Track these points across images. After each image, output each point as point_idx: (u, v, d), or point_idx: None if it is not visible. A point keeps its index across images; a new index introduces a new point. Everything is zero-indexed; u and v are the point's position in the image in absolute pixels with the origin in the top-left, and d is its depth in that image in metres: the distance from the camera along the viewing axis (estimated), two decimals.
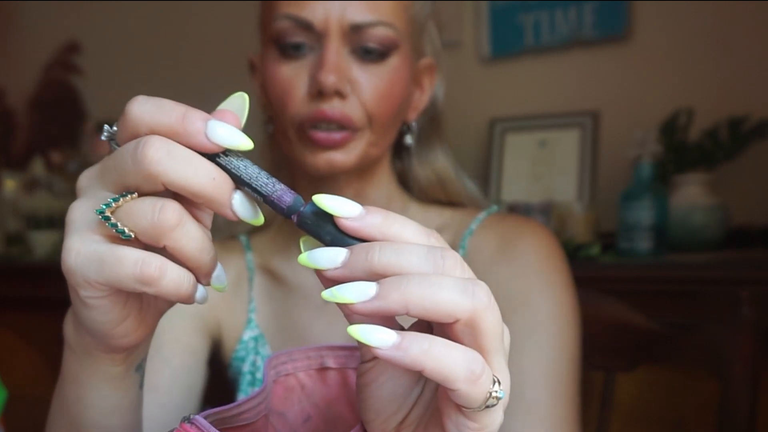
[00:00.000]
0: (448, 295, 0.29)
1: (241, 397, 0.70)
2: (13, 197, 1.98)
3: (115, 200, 0.33)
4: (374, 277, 0.30)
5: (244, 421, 0.40)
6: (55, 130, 2.25)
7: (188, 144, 0.32)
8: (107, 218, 0.32)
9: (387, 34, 0.61)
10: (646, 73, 1.48)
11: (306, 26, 0.60)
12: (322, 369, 0.46)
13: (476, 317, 0.30)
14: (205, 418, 0.37)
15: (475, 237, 0.67)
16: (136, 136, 0.33)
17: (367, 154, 0.63)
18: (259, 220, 0.35)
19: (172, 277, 0.32)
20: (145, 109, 0.32)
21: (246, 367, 0.70)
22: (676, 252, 1.25)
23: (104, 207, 0.32)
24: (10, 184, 2.00)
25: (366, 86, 0.61)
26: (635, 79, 1.49)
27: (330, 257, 0.31)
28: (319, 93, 0.60)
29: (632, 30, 1.49)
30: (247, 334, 0.70)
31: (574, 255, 1.22)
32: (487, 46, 1.65)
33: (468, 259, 0.67)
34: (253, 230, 0.74)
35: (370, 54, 0.61)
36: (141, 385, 0.44)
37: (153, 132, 0.32)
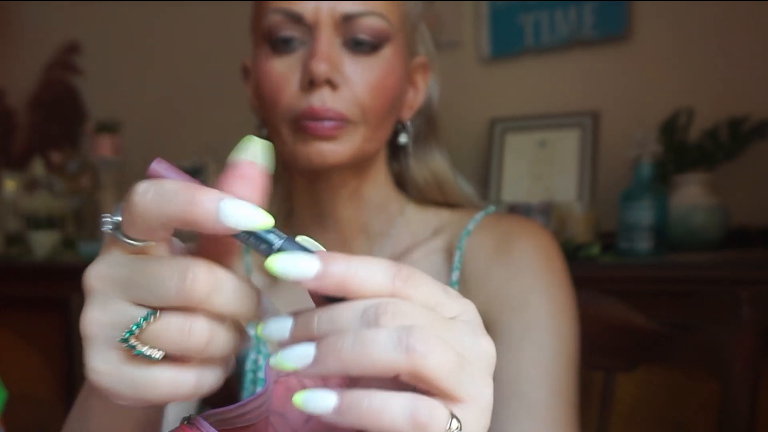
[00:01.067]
0: (381, 353, 0.28)
1: (243, 395, 0.70)
2: (13, 197, 1.98)
3: (139, 325, 0.30)
4: (317, 340, 0.30)
5: (245, 422, 0.40)
6: (55, 130, 2.25)
7: (202, 231, 0.30)
8: (133, 346, 0.30)
9: (379, 25, 0.61)
10: (646, 73, 1.48)
11: (296, 19, 0.60)
12: None
13: (416, 369, 0.28)
14: (206, 418, 0.37)
15: (473, 237, 0.67)
16: (148, 231, 0.31)
17: (362, 149, 0.62)
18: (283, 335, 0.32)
19: (208, 382, 0.32)
20: (149, 199, 0.30)
21: (247, 366, 0.70)
22: (676, 252, 1.25)
23: (128, 334, 0.30)
24: (10, 184, 2.00)
25: (358, 79, 0.60)
26: (635, 79, 1.49)
27: (279, 328, 0.31)
28: (310, 83, 0.59)
29: (632, 30, 1.49)
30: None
31: (574, 255, 1.22)
32: (487, 46, 1.65)
33: (466, 259, 0.67)
34: None
35: (362, 45, 0.61)
36: (162, 425, 0.43)
37: (165, 226, 0.30)
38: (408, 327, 0.29)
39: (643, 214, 1.21)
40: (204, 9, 2.03)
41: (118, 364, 0.31)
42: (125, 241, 0.31)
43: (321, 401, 0.29)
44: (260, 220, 0.30)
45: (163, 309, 0.30)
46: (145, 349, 0.30)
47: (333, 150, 0.61)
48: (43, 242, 1.84)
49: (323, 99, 0.59)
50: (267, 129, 0.66)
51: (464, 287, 0.66)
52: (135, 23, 2.17)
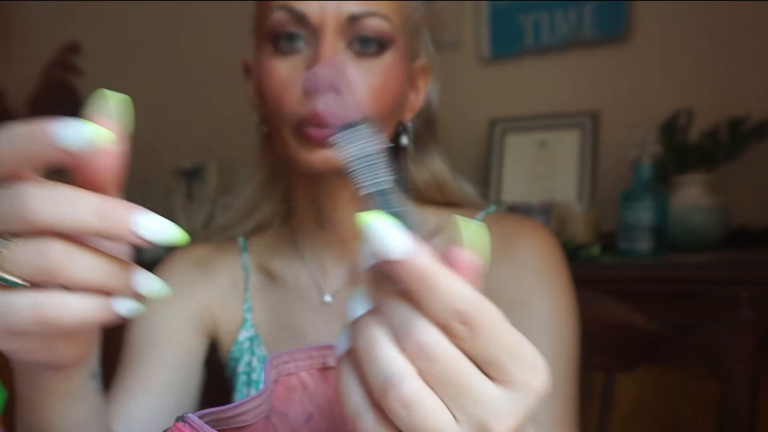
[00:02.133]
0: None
1: (236, 397, 0.70)
2: None
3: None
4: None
5: (242, 423, 0.40)
6: None
7: (45, 156, 0.31)
8: None
9: (383, 27, 0.61)
10: (646, 73, 1.48)
11: (300, 18, 0.60)
12: (324, 368, 0.46)
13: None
14: (201, 418, 0.37)
15: None
16: (5, 176, 0.32)
17: None
18: (180, 239, 0.32)
19: (74, 308, 0.31)
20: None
21: (241, 368, 0.70)
22: (676, 252, 1.25)
23: None
24: None
25: (361, 82, 0.60)
26: (635, 79, 1.49)
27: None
28: None
29: (632, 30, 1.49)
30: (243, 335, 0.70)
31: (574, 255, 1.22)
32: (487, 47, 1.65)
33: None
34: (251, 231, 0.74)
35: (367, 47, 0.60)
36: (101, 392, 0.43)
37: (18, 167, 0.31)
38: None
39: (643, 214, 1.21)
40: (204, 9, 2.03)
41: None
42: None
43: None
44: (98, 134, 0.31)
45: (19, 236, 0.31)
46: (5, 276, 0.31)
47: (335, 156, 0.61)
48: None
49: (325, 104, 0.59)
50: (267, 127, 0.66)
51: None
52: (135, 23, 2.17)
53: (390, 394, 0.29)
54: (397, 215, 0.30)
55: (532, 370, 0.29)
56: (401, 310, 0.30)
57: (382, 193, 0.30)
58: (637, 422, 1.10)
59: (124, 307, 0.33)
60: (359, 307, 0.32)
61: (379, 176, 0.30)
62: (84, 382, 0.41)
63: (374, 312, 0.31)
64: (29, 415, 0.42)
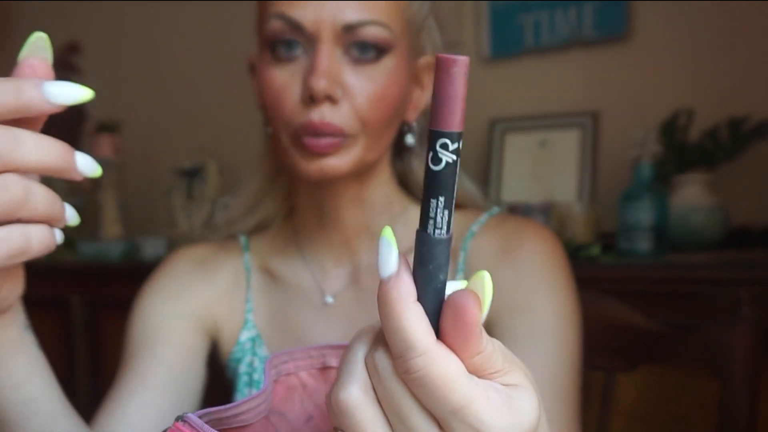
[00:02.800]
0: None
1: (237, 398, 0.70)
2: None
3: None
4: None
5: (242, 423, 0.40)
6: (55, 130, 2.24)
7: (36, 114, 0.35)
8: None
9: (380, 34, 0.60)
10: (646, 73, 1.48)
11: (296, 27, 0.59)
12: (325, 368, 0.46)
13: None
14: (201, 417, 0.37)
15: (477, 239, 0.67)
16: None
17: (363, 159, 0.62)
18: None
19: (38, 239, 0.36)
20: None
21: (242, 368, 0.70)
22: (676, 252, 1.25)
23: None
24: None
25: (359, 90, 0.60)
26: (635, 79, 1.49)
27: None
28: (310, 98, 0.59)
29: (632, 30, 1.49)
30: (245, 335, 0.70)
31: (574, 255, 1.22)
32: (487, 46, 1.65)
33: (470, 261, 0.66)
34: (252, 231, 0.74)
35: (364, 53, 0.60)
36: (39, 347, 0.46)
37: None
38: None
39: (643, 214, 1.21)
40: (204, 9, 2.03)
41: None
42: None
43: None
44: (82, 93, 0.36)
45: None
46: None
47: (333, 164, 0.60)
48: None
49: (322, 114, 0.59)
50: (270, 128, 0.66)
51: None
52: (135, 23, 2.17)
53: (332, 391, 0.31)
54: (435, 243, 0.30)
55: (480, 427, 0.29)
56: (377, 333, 0.32)
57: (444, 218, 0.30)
58: (637, 422, 1.10)
59: (59, 236, 0.38)
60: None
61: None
62: (20, 332, 0.44)
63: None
64: None
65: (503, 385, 0.31)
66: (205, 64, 2.03)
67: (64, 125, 2.25)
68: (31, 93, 0.35)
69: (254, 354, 0.70)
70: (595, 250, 1.25)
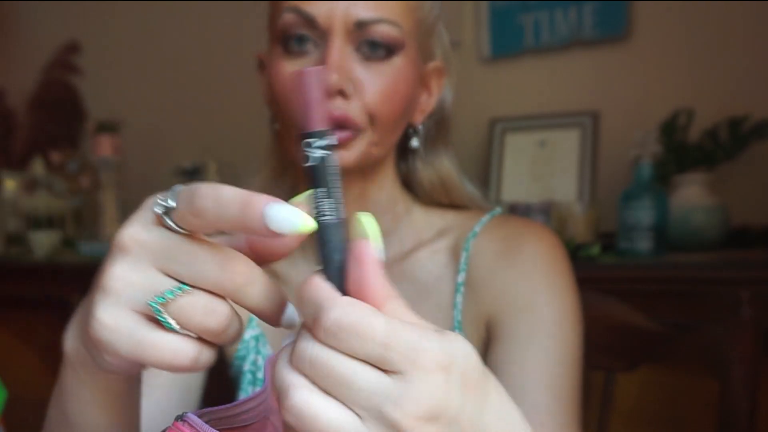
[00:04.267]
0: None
1: (241, 396, 0.70)
2: (13, 197, 1.98)
3: (172, 294, 0.32)
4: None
5: (242, 422, 0.40)
6: (55, 130, 2.25)
7: (246, 228, 0.32)
8: (159, 312, 0.32)
9: (392, 33, 0.60)
10: (646, 73, 1.48)
11: (309, 21, 0.60)
12: None
13: None
14: (201, 417, 0.37)
15: (479, 240, 0.67)
16: (200, 228, 0.33)
17: (369, 154, 0.62)
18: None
19: (204, 361, 0.34)
20: (209, 205, 0.32)
21: (247, 366, 0.70)
22: (676, 252, 1.25)
23: (160, 300, 0.32)
24: (10, 184, 2.00)
25: (369, 85, 0.60)
26: (635, 79, 1.49)
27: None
28: None
29: (632, 30, 1.49)
30: (248, 333, 0.70)
31: (574, 255, 1.22)
32: (487, 46, 1.65)
33: (472, 261, 0.67)
34: None
35: (374, 51, 0.60)
36: (140, 394, 0.44)
37: (217, 229, 0.32)
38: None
39: (643, 214, 1.21)
40: (204, 9, 2.03)
41: (131, 323, 0.33)
42: (175, 228, 0.33)
43: None
44: (303, 222, 0.31)
45: (193, 287, 0.33)
46: (168, 318, 0.32)
47: (342, 156, 0.60)
48: (43, 242, 1.84)
49: (333, 108, 0.59)
50: (278, 124, 0.66)
51: (470, 289, 0.66)
52: (135, 23, 2.17)
53: (282, 406, 0.31)
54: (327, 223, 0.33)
55: (413, 350, 0.30)
56: (300, 329, 0.33)
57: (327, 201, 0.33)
58: (637, 422, 1.10)
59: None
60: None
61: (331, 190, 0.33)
62: (133, 384, 0.42)
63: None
64: (69, 405, 0.42)
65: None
66: (205, 64, 2.03)
67: (65, 125, 2.25)
68: (256, 214, 0.31)
69: (258, 352, 0.70)
70: (595, 250, 1.25)
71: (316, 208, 0.32)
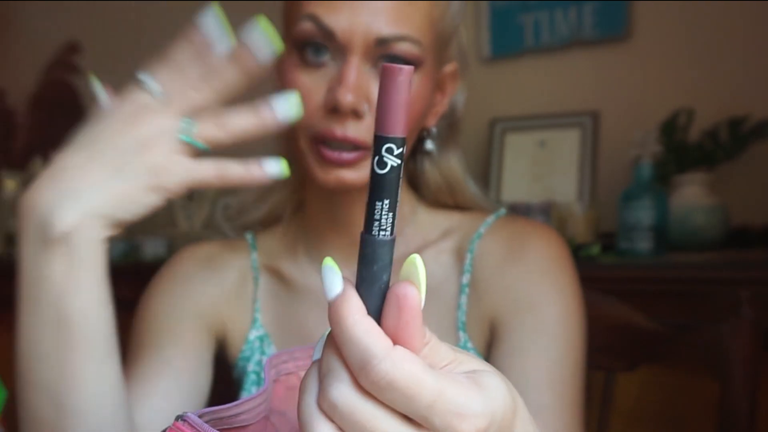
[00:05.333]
0: None
1: (243, 395, 0.70)
2: (13, 197, 1.98)
3: (189, 122, 0.48)
4: None
5: (242, 423, 0.40)
6: (55, 130, 2.24)
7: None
8: (188, 135, 0.48)
9: (412, 51, 0.59)
10: (646, 73, 1.48)
11: (328, 34, 0.58)
12: None
13: None
14: (201, 417, 0.37)
15: (484, 240, 0.67)
16: None
17: None
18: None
19: (241, 176, 0.50)
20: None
21: (251, 367, 0.70)
22: (676, 252, 1.25)
23: (187, 125, 0.48)
24: (10, 184, 2.00)
25: None
26: (635, 79, 1.49)
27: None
28: (334, 109, 0.58)
29: (632, 30, 1.49)
30: (253, 334, 0.70)
31: (574, 255, 1.22)
32: (487, 46, 1.65)
33: (476, 262, 0.66)
34: (260, 225, 0.74)
35: None
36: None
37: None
38: None
39: (643, 214, 1.21)
40: (204, 9, 2.02)
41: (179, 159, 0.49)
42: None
43: None
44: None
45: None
46: (198, 141, 0.49)
47: (351, 176, 0.60)
48: None
49: (345, 129, 0.58)
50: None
51: (475, 290, 0.66)
52: (135, 23, 2.17)
53: None
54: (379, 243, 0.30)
55: (458, 417, 0.29)
56: (328, 361, 0.31)
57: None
58: (637, 422, 1.10)
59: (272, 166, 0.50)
60: (316, 352, 0.33)
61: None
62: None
63: (321, 359, 0.32)
64: (51, 301, 0.47)
65: (463, 373, 0.31)
66: None
67: (65, 125, 2.25)
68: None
69: (263, 353, 0.70)
70: (595, 250, 1.25)
71: (378, 220, 0.30)
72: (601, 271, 1.17)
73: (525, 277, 0.64)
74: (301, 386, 0.31)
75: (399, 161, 0.29)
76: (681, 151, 1.32)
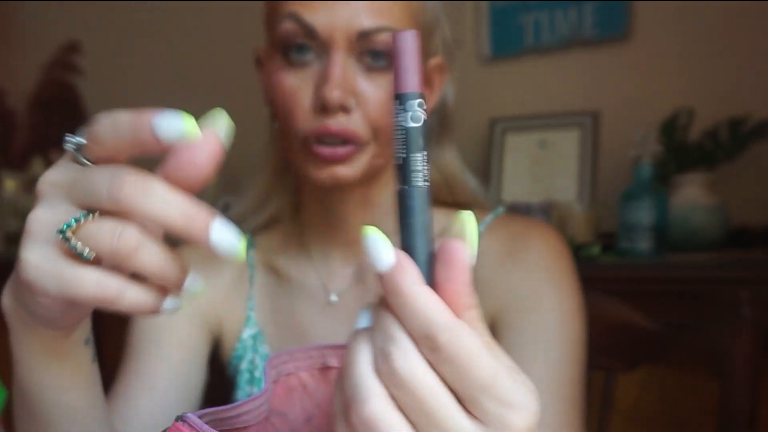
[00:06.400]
0: None
1: (239, 395, 0.70)
2: (13, 197, 1.98)
3: (77, 220, 0.33)
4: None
5: (242, 423, 0.40)
6: (55, 130, 2.25)
7: (143, 144, 0.33)
8: (68, 239, 0.33)
9: None
10: (646, 73, 1.48)
11: (309, 32, 0.58)
12: (325, 368, 0.46)
13: None
14: (201, 417, 0.37)
15: (483, 239, 0.67)
16: (104, 154, 0.34)
17: (372, 166, 0.62)
18: (240, 256, 0.33)
19: (131, 297, 0.34)
20: (107, 128, 0.33)
21: (244, 365, 0.70)
22: (676, 252, 1.25)
23: (66, 227, 0.33)
24: (10, 184, 2.00)
25: (371, 99, 0.59)
26: (635, 79, 1.49)
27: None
28: (323, 108, 0.58)
29: (632, 30, 1.49)
30: (246, 332, 0.70)
31: (574, 255, 1.22)
32: (487, 46, 1.65)
33: (475, 262, 0.66)
34: (262, 225, 0.74)
35: (376, 61, 0.59)
36: (94, 360, 0.44)
37: (118, 150, 0.34)
38: None
39: (643, 214, 1.21)
40: (204, 9, 2.03)
41: (51, 258, 0.33)
42: (83, 161, 0.35)
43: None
44: (188, 127, 0.32)
45: (101, 212, 0.33)
46: (79, 245, 0.33)
47: (345, 172, 0.60)
48: None
49: (338, 122, 0.58)
50: (278, 123, 0.66)
51: (474, 289, 0.66)
52: (135, 23, 2.17)
53: (352, 411, 0.30)
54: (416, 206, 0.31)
55: (508, 407, 0.29)
56: (387, 329, 0.30)
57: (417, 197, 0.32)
58: (637, 422, 1.10)
59: (171, 304, 0.35)
60: (363, 320, 0.32)
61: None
62: (79, 346, 0.42)
63: (370, 327, 0.32)
64: (25, 380, 0.43)
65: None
66: (205, 64, 2.03)
67: (65, 125, 2.25)
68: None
69: (255, 351, 0.70)
70: (595, 250, 1.25)
71: (420, 170, 0.31)
72: (601, 271, 1.17)
73: (525, 276, 0.64)
74: (349, 352, 0.31)
75: (423, 113, 0.31)
76: (681, 151, 1.32)
